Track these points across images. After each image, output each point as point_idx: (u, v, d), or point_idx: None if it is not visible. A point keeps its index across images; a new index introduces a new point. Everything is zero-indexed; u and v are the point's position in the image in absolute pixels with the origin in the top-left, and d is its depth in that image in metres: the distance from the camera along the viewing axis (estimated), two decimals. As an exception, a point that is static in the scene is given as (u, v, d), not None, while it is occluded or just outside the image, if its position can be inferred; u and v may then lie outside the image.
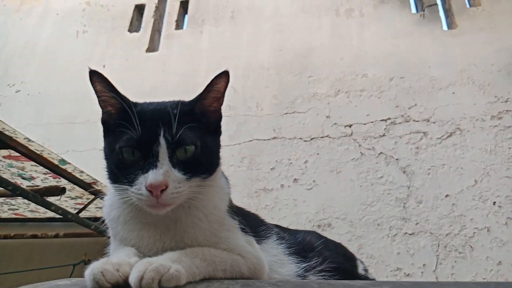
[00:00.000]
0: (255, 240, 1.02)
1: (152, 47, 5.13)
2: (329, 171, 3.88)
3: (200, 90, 0.98)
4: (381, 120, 4.04)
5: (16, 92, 4.99)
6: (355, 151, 3.94)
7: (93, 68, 0.90)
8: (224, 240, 0.92)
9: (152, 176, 0.81)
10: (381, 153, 3.88)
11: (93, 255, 0.92)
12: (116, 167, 0.87)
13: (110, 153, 0.90)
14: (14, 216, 3.93)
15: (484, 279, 3.18)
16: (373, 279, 1.28)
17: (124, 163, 0.85)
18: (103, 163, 0.93)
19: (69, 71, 4.87)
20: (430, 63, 4.28)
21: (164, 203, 0.83)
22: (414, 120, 3.99)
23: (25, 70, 5.18)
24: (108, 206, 0.99)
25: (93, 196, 3.12)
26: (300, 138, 4.10)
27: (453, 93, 4.07)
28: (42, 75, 5.09)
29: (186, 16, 5.38)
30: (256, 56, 4.70)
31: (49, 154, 2.62)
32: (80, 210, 3.28)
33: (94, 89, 0.90)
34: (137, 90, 4.31)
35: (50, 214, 3.59)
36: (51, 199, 2.82)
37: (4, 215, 3.91)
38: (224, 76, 0.95)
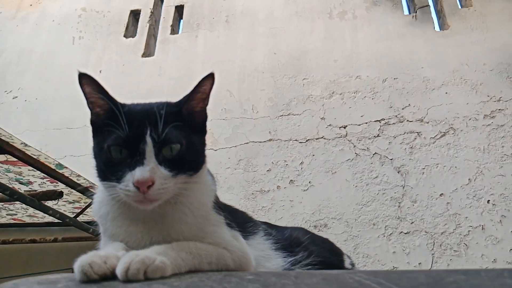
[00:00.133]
0: (242, 235, 1.05)
1: (148, 52, 5.16)
2: (324, 172, 3.91)
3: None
4: (375, 121, 4.08)
5: (13, 98, 5.02)
6: (350, 152, 3.97)
7: (83, 71, 0.93)
8: (209, 234, 0.95)
9: (139, 173, 0.84)
10: (375, 153, 3.92)
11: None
12: (105, 165, 0.90)
13: (99, 151, 0.93)
14: (12, 221, 3.96)
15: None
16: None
17: (112, 161, 0.88)
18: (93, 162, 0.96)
19: (65, 77, 4.89)
20: (423, 63, 4.33)
21: (151, 199, 0.85)
22: (407, 121, 4.03)
23: (22, 77, 5.21)
24: (98, 203, 1.02)
25: (90, 200, 3.14)
26: (296, 140, 4.13)
27: (446, 93, 4.11)
28: (39, 81, 5.12)
29: (181, 21, 5.42)
30: (251, 59, 4.74)
31: (45, 158, 2.65)
32: (78, 214, 3.31)
33: (83, 91, 0.93)
34: (134, 95, 4.35)
35: (49, 219, 3.61)
36: (49, 203, 2.84)
37: (3, 220, 3.93)
38: (209, 78, 0.98)
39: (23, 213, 3.65)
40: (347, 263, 1.33)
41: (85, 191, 2.75)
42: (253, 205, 3.82)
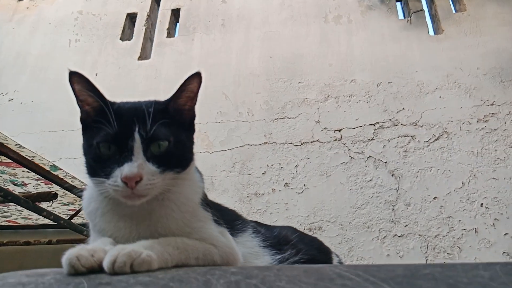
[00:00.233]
0: (231, 232, 1.06)
1: (144, 55, 5.18)
2: (319, 175, 3.92)
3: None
4: (369, 124, 4.10)
5: (9, 100, 5.02)
6: (345, 155, 3.99)
7: (75, 70, 0.94)
8: (196, 230, 0.96)
9: (127, 169, 0.85)
10: (370, 156, 3.93)
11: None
12: (94, 161, 0.91)
13: (88, 148, 0.95)
14: (6, 223, 3.94)
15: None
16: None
17: (101, 157, 0.90)
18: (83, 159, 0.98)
19: (61, 80, 4.87)
20: (417, 67, 4.36)
21: (139, 194, 0.87)
22: (402, 124, 4.05)
23: (18, 79, 5.21)
24: (87, 199, 1.03)
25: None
26: (291, 143, 4.15)
27: (440, 97, 4.14)
28: (35, 83, 5.12)
29: (178, 24, 5.44)
30: (246, 63, 4.77)
31: (40, 160, 2.65)
32: (72, 216, 3.30)
33: (73, 89, 0.95)
34: (130, 98, 4.32)
35: (43, 221, 3.60)
36: (43, 205, 2.84)
37: (-3, 223, 3.92)
38: (196, 77, 0.99)
39: (17, 215, 3.64)
40: (335, 262, 1.34)
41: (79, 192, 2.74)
42: (248, 208, 3.83)
